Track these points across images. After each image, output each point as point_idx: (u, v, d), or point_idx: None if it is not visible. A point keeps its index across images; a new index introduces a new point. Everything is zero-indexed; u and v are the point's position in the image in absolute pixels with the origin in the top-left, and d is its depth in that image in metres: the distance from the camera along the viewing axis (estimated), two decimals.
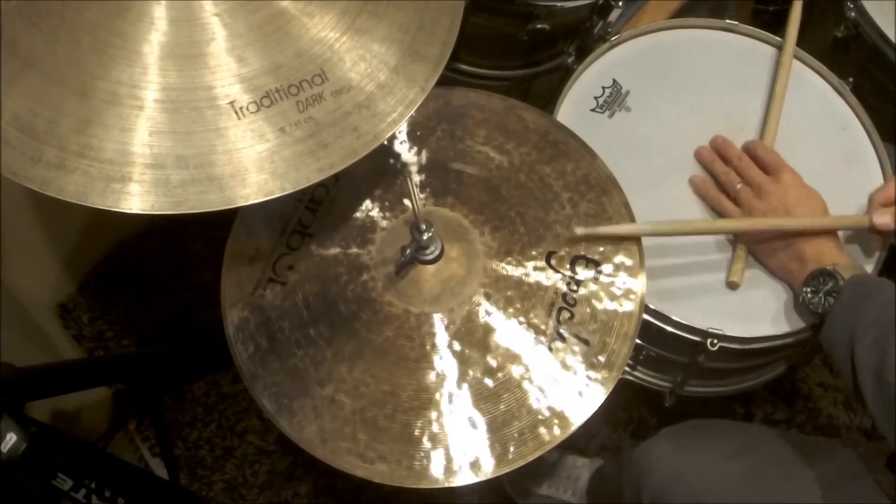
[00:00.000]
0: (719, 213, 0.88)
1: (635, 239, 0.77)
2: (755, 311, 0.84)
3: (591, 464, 1.15)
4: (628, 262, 0.76)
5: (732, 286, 0.84)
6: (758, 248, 0.85)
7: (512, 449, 0.68)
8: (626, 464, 0.87)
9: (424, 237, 0.72)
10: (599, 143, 0.83)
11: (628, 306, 0.74)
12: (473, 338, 0.73)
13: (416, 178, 0.81)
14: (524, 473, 1.15)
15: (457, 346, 0.73)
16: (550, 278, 0.76)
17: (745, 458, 0.78)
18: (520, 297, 0.75)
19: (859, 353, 0.72)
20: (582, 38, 1.07)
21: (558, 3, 0.96)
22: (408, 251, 0.74)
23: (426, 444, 0.68)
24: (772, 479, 0.76)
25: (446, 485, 0.67)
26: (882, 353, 0.69)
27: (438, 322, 0.74)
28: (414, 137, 0.83)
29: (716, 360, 0.85)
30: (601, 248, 0.77)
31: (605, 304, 0.74)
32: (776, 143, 0.90)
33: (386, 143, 0.59)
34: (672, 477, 0.78)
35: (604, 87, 0.95)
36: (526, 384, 0.71)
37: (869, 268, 0.86)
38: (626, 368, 0.93)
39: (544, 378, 0.71)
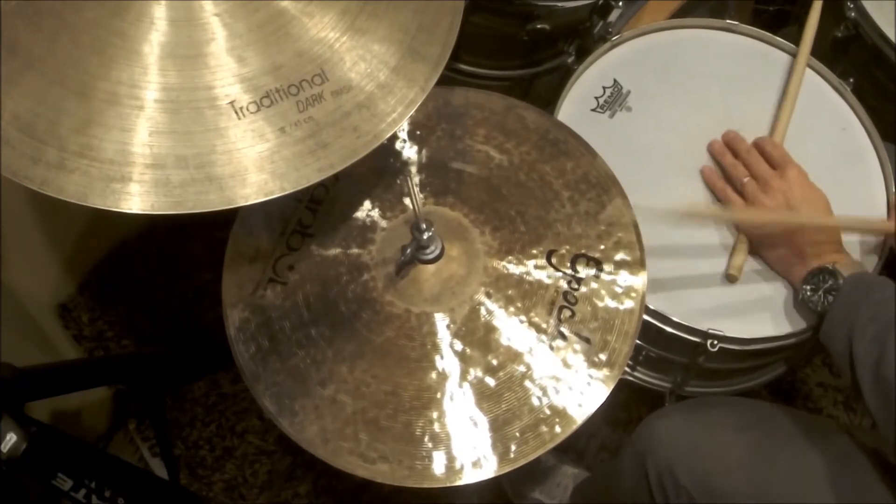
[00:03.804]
0: (724, 204, 0.88)
1: (636, 237, 0.77)
2: (756, 312, 0.84)
3: (580, 475, 1.15)
4: (629, 259, 0.76)
5: (731, 279, 0.84)
6: (759, 243, 0.85)
7: (513, 448, 0.68)
8: (627, 443, 0.86)
9: (424, 236, 0.72)
10: (600, 143, 0.83)
11: (629, 304, 0.74)
12: (474, 337, 0.73)
13: (416, 178, 0.81)
14: (522, 475, 1.16)
15: (458, 346, 0.73)
16: (551, 277, 0.76)
17: (754, 431, 0.78)
18: (521, 296, 0.75)
19: (858, 348, 0.72)
20: (582, 38, 1.07)
21: (558, 3, 0.96)
22: (408, 251, 0.74)
23: (428, 443, 0.68)
24: (781, 452, 0.76)
25: (448, 484, 0.67)
26: (881, 349, 0.69)
27: (439, 321, 0.74)
28: (414, 137, 0.83)
29: (716, 361, 0.85)
30: (602, 246, 0.77)
31: (607, 303, 0.74)
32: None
33: (386, 142, 0.59)
34: (680, 449, 0.78)
35: (604, 87, 0.95)
36: (527, 383, 0.71)
37: (870, 267, 0.86)
38: (626, 369, 0.93)
39: (545, 377, 0.71)
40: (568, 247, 0.77)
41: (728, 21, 1.01)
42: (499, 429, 0.69)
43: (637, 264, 0.76)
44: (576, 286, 0.75)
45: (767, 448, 0.77)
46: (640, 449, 0.82)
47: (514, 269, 0.76)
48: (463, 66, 1.08)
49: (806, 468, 0.75)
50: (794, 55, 0.99)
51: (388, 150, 0.82)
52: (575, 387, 0.70)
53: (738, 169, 0.88)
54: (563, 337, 0.73)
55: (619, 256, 0.76)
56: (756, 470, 0.75)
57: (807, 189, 0.84)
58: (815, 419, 0.83)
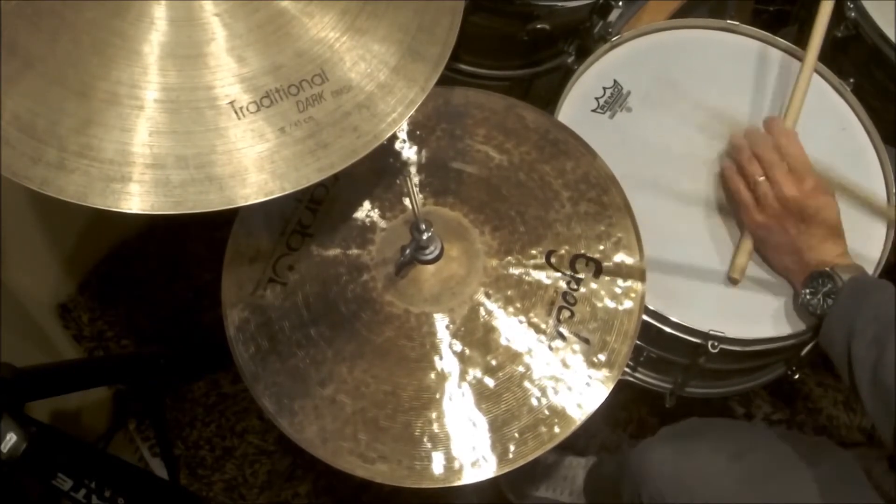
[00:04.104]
0: (733, 198, 0.87)
1: (635, 237, 0.77)
2: (756, 313, 0.84)
3: (587, 462, 1.15)
4: (629, 260, 0.76)
5: (733, 281, 0.84)
6: (763, 245, 0.85)
7: (512, 448, 0.68)
8: (624, 464, 0.86)
9: (424, 237, 0.72)
10: (600, 144, 0.83)
11: (628, 305, 0.74)
12: (474, 337, 0.73)
13: (416, 178, 0.81)
14: (521, 475, 1.15)
15: (457, 346, 0.73)
16: (550, 277, 0.76)
17: (744, 459, 0.78)
18: (520, 297, 0.75)
19: (857, 350, 0.72)
20: (582, 38, 1.07)
21: (558, 3, 0.96)
22: (407, 251, 0.74)
23: (427, 443, 0.68)
24: (772, 480, 0.76)
25: (447, 485, 0.67)
26: (880, 351, 0.69)
27: (439, 322, 0.74)
28: (414, 137, 0.83)
29: (716, 362, 0.85)
30: (601, 247, 0.77)
31: (606, 303, 0.74)
32: None
33: (386, 142, 0.59)
34: (672, 480, 0.78)
35: (605, 88, 0.95)
36: (526, 383, 0.71)
37: (870, 269, 0.85)
38: (627, 370, 0.93)
39: (545, 377, 0.71)
40: (567, 247, 0.77)
41: (728, 21, 1.01)
42: (498, 429, 0.69)
43: (636, 265, 0.76)
44: (575, 287, 0.75)
45: (760, 477, 0.76)
46: (633, 479, 0.82)
47: (514, 269, 0.76)
48: (463, 66, 1.08)
49: (800, 494, 0.74)
50: (794, 55, 0.98)
51: (388, 150, 0.82)
52: (574, 387, 0.70)
53: (754, 166, 0.84)
54: (563, 337, 0.73)
55: (619, 257, 0.76)
56: (748, 499, 0.75)
57: (822, 202, 0.81)
58: (811, 441, 0.82)
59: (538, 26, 0.97)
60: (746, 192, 0.85)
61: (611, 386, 0.70)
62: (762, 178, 0.84)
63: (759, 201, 0.84)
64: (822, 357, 0.80)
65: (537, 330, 0.73)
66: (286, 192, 0.55)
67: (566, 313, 0.74)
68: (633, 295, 0.75)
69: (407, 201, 0.80)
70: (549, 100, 0.95)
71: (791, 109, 0.91)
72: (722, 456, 0.79)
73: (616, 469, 0.95)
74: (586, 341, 0.73)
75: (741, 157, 0.87)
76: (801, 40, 0.98)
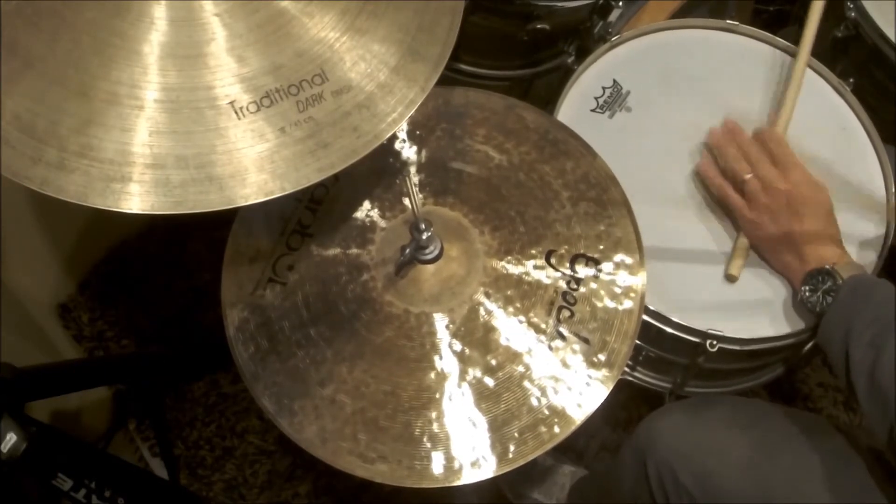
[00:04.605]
0: (721, 202, 0.88)
1: (635, 237, 0.77)
2: (755, 312, 0.84)
3: (577, 473, 1.16)
4: (628, 260, 0.76)
5: (730, 279, 0.84)
6: (759, 243, 0.85)
7: (512, 448, 0.68)
8: (627, 442, 0.86)
9: (424, 237, 0.72)
10: (600, 143, 0.83)
11: (628, 304, 0.74)
12: (473, 337, 0.73)
13: (416, 178, 0.81)
14: (520, 475, 1.16)
15: (457, 346, 0.73)
16: (550, 277, 0.76)
17: (754, 430, 0.78)
18: (520, 296, 0.75)
19: (854, 351, 0.72)
20: (582, 38, 1.07)
21: (558, 3, 0.96)
22: (407, 251, 0.74)
23: (427, 443, 0.68)
24: (781, 452, 0.76)
25: (446, 485, 0.67)
26: (877, 353, 0.69)
27: (439, 322, 0.74)
28: (414, 137, 0.83)
29: (715, 362, 0.85)
30: (601, 247, 0.77)
31: (606, 303, 0.74)
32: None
33: (386, 142, 0.59)
34: (681, 448, 0.78)
35: (604, 88, 0.95)
36: (526, 383, 0.71)
37: (869, 268, 0.86)
38: (626, 369, 0.93)
39: (544, 377, 0.71)
40: (567, 247, 0.77)
41: (728, 21, 1.01)
42: (498, 429, 0.69)
43: (636, 264, 0.76)
44: (575, 286, 0.75)
45: (767, 447, 0.77)
46: (641, 448, 0.82)
47: (514, 269, 0.76)
48: (463, 66, 1.08)
49: (806, 467, 0.75)
50: (794, 55, 0.98)
51: (387, 150, 0.82)
52: (574, 387, 0.70)
53: (742, 164, 0.85)
54: (562, 337, 0.73)
55: (619, 257, 0.76)
56: (756, 469, 0.75)
57: (809, 191, 0.82)
58: (813, 418, 0.83)
59: (538, 26, 0.97)
60: (734, 194, 0.86)
61: (611, 386, 0.70)
62: (749, 176, 0.84)
63: (748, 199, 0.84)
64: (822, 357, 0.80)
65: (537, 330, 0.73)
66: (286, 192, 0.55)
67: (566, 313, 0.74)
68: (632, 295, 0.75)
69: (407, 201, 0.80)
70: (549, 100, 0.95)
71: (783, 111, 0.91)
72: (732, 427, 0.79)
73: (610, 467, 0.95)
74: (586, 341, 0.73)
75: (727, 153, 0.87)
76: (802, 39, 0.99)
